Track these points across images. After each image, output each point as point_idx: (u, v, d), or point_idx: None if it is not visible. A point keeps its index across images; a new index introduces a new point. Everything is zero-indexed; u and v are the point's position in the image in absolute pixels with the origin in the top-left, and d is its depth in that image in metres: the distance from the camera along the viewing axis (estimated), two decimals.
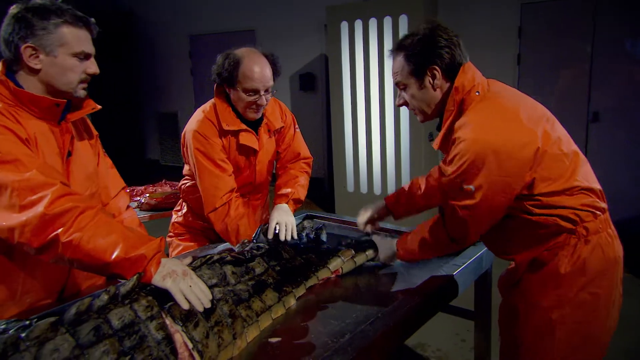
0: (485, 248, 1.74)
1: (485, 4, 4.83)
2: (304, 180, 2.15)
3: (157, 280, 1.18)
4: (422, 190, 1.81)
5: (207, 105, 1.95)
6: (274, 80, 1.86)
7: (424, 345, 2.76)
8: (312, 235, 1.84)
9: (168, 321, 1.12)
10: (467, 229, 1.39)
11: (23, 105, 1.30)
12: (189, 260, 1.35)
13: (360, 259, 1.70)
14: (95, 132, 1.62)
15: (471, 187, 1.32)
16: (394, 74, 1.50)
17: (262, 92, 1.82)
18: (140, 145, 8.30)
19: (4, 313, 1.37)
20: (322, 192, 6.26)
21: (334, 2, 5.12)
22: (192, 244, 2.12)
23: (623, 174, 4.43)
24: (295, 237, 1.84)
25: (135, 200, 2.84)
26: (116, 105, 7.76)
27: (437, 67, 1.44)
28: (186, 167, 2.07)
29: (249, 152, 1.98)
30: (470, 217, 1.35)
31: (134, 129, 8.12)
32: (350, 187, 5.12)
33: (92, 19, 1.38)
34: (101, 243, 1.17)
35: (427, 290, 1.49)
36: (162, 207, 2.74)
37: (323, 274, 1.61)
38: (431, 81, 1.46)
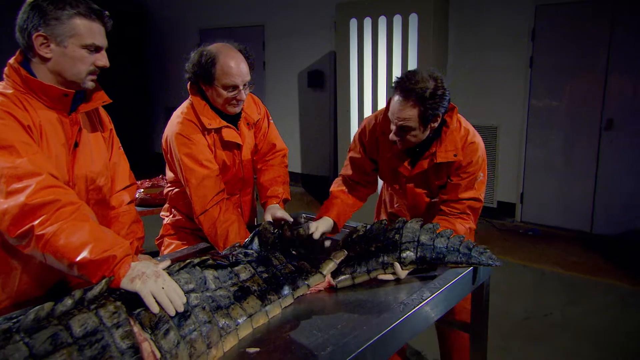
0: (487, 266, 1.66)
1: (498, 5, 4.71)
2: (286, 177, 2.17)
3: (126, 283, 1.12)
4: (348, 190, 2.10)
5: (183, 107, 1.91)
6: (250, 74, 1.84)
7: (420, 355, 2.69)
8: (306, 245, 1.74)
9: (136, 329, 1.06)
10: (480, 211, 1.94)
11: (34, 93, 1.31)
12: (166, 263, 1.29)
13: (361, 278, 1.61)
14: (109, 126, 1.60)
15: (481, 174, 1.91)
16: (404, 119, 1.72)
17: (241, 87, 1.80)
18: (149, 139, 8.31)
19: None
20: (327, 190, 6.18)
21: None
22: (184, 242, 2.07)
23: (637, 183, 4.30)
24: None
25: None
26: (126, 99, 7.77)
27: (440, 116, 1.77)
28: (170, 174, 2.01)
29: (233, 148, 1.94)
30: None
31: (144, 123, 8.12)
32: None
33: (107, 12, 1.37)
34: (71, 241, 1.13)
35: (418, 302, 1.42)
36: (155, 203, 2.69)
37: (315, 280, 1.52)
38: (432, 125, 1.78)
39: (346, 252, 1.59)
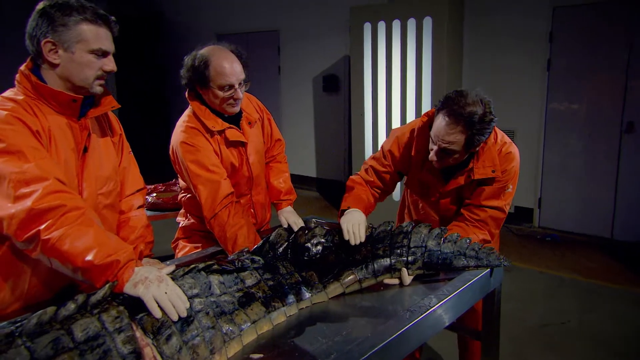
0: (495, 267, 1.63)
1: (514, 8, 4.64)
2: (289, 173, 2.24)
3: (129, 288, 1.13)
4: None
5: (184, 115, 1.94)
6: (244, 72, 1.85)
7: None
8: (322, 243, 1.69)
9: (139, 334, 1.06)
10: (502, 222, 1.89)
11: (44, 99, 1.33)
12: (170, 268, 1.30)
13: (369, 282, 1.60)
14: (119, 131, 1.62)
15: (510, 186, 1.87)
16: (449, 142, 1.68)
17: (236, 86, 1.81)
18: (167, 142, 8.38)
19: (7, 308, 1.38)
20: (342, 195, 6.16)
21: (358, 3, 5.04)
22: (199, 244, 2.09)
23: None
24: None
25: None
26: (143, 103, 7.90)
27: (485, 141, 1.76)
28: (182, 182, 2.05)
29: (239, 147, 1.96)
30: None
31: (161, 126, 8.23)
32: None
33: (113, 17, 1.39)
34: (76, 246, 1.15)
35: (425, 310, 1.40)
36: (168, 208, 2.71)
37: (318, 298, 1.50)
38: (474, 149, 1.76)
39: (354, 275, 1.57)
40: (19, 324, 0.96)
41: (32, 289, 1.40)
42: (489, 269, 1.63)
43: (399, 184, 2.17)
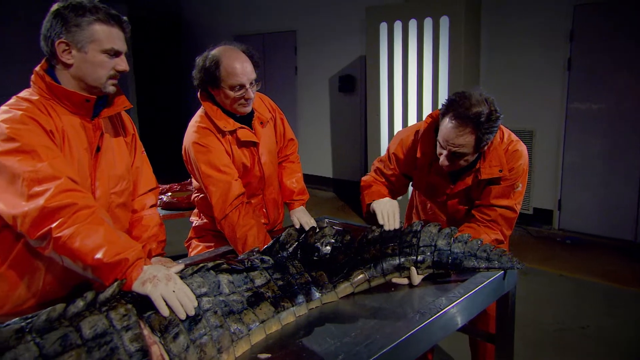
0: (507, 269, 1.61)
1: (533, 6, 4.57)
2: (301, 173, 2.26)
3: (137, 286, 1.14)
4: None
5: (196, 116, 1.96)
6: (255, 72, 1.86)
7: None
8: (332, 243, 1.69)
9: (146, 332, 1.07)
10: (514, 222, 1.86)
11: (58, 99, 1.35)
12: (179, 267, 1.30)
13: (378, 281, 1.59)
14: (132, 130, 1.64)
15: (520, 184, 1.84)
16: (459, 145, 1.67)
17: (247, 86, 1.82)
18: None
19: (23, 304, 1.41)
20: (358, 195, 6.15)
21: (375, 2, 5.02)
22: (211, 244, 2.10)
23: None
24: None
25: (158, 199, 2.86)
26: (165, 103, 8.00)
27: (492, 140, 1.75)
28: (195, 182, 2.07)
29: (250, 147, 1.97)
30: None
31: (179, 127, 8.32)
32: None
33: (125, 18, 1.41)
34: (86, 244, 1.16)
35: (436, 312, 1.38)
36: (182, 207, 2.73)
37: (328, 298, 1.50)
38: (482, 149, 1.75)
39: (364, 274, 1.56)
40: (29, 320, 0.97)
41: (47, 286, 1.43)
42: (502, 272, 1.60)
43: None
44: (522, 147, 1.86)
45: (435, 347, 2.41)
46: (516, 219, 1.89)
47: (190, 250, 2.17)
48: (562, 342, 2.86)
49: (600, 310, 3.24)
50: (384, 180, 2.05)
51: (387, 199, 1.83)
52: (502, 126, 1.82)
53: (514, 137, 1.87)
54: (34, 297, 1.43)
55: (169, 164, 5.12)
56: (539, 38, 4.57)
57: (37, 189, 1.19)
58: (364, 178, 2.09)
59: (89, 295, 1.04)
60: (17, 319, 0.99)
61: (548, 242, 4.51)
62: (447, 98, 1.74)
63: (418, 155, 1.91)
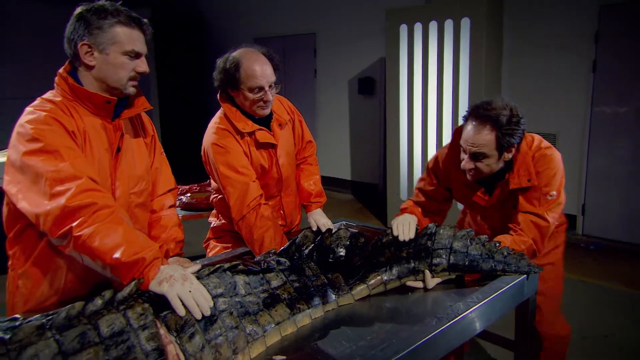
0: (526, 275, 1.58)
1: (557, 7, 4.48)
2: (319, 175, 2.26)
3: (154, 285, 1.15)
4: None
5: (216, 117, 1.98)
6: (275, 75, 1.87)
7: None
8: (347, 245, 1.67)
9: (162, 331, 1.08)
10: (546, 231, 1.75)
11: (80, 100, 1.38)
12: (196, 268, 1.32)
13: (393, 284, 1.58)
14: (151, 132, 1.66)
15: (554, 193, 1.75)
16: (480, 145, 1.68)
17: (266, 88, 1.83)
18: None
19: (45, 301, 1.45)
20: (376, 198, 6.13)
21: (395, 5, 4.99)
22: (229, 244, 2.12)
23: None
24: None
25: (178, 199, 2.90)
26: (185, 106, 8.11)
27: (515, 146, 1.72)
28: (213, 183, 2.08)
29: (268, 149, 1.98)
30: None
31: (201, 128, 8.42)
32: (404, 195, 4.96)
33: (145, 20, 1.43)
34: (105, 243, 1.18)
35: (453, 317, 1.36)
36: (200, 208, 2.76)
37: (345, 300, 1.50)
38: (506, 155, 1.73)
39: (380, 277, 1.55)
40: (50, 317, 0.99)
41: (68, 284, 1.45)
42: (522, 277, 1.57)
43: None
44: (553, 153, 1.81)
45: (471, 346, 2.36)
46: (549, 229, 1.79)
47: (208, 250, 2.19)
48: (585, 351, 2.79)
49: (624, 318, 3.16)
50: (424, 199, 2.06)
51: (406, 214, 1.86)
52: (533, 135, 1.83)
53: (545, 143, 1.83)
54: (56, 295, 1.45)
55: (190, 165, 5.16)
56: (563, 39, 4.48)
57: (59, 188, 1.21)
58: (402, 205, 2.11)
59: (107, 294, 1.06)
60: (38, 315, 1.02)
61: (571, 248, 4.41)
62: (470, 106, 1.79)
63: (450, 165, 1.94)
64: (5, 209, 1.42)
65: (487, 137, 1.67)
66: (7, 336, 0.90)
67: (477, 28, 4.20)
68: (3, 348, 0.88)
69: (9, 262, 1.47)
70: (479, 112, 1.69)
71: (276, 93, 1.94)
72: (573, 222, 4.70)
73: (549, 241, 1.94)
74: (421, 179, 2.11)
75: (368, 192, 6.33)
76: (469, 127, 1.72)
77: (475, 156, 1.72)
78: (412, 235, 1.63)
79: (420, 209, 2.04)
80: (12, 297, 1.47)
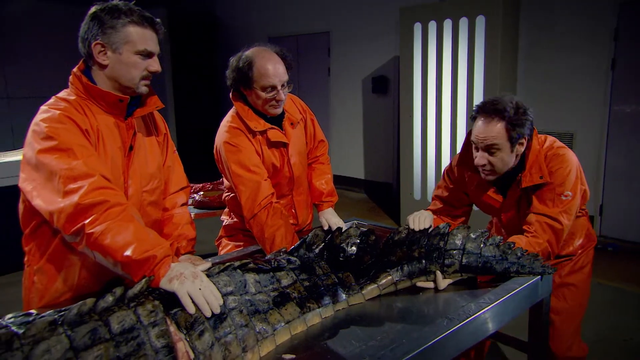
0: (540, 276, 1.55)
1: (575, 4, 4.40)
2: (331, 175, 2.27)
3: (164, 283, 1.16)
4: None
5: (228, 116, 1.98)
6: (287, 74, 1.88)
7: None
8: (357, 244, 1.67)
9: (172, 328, 1.09)
10: (561, 234, 1.72)
11: (93, 99, 1.40)
12: (206, 265, 1.32)
13: (404, 284, 1.57)
14: (164, 130, 1.68)
15: (569, 193, 1.72)
16: (491, 137, 1.70)
17: (279, 87, 1.83)
18: None
19: (60, 297, 1.47)
20: (389, 198, 6.10)
21: (409, 3, 4.96)
22: (240, 243, 2.12)
23: None
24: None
25: (191, 197, 2.92)
26: (200, 103, 8.17)
27: (526, 138, 1.74)
28: (226, 181, 2.09)
29: (280, 148, 1.99)
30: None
31: (214, 127, 8.47)
32: (417, 195, 4.93)
33: (158, 20, 1.45)
34: (116, 240, 1.19)
35: (464, 318, 1.35)
36: (214, 206, 2.77)
37: (355, 300, 1.49)
38: (518, 149, 1.75)
39: (391, 277, 1.54)
40: (62, 313, 1.01)
41: (82, 280, 1.47)
42: (535, 278, 1.55)
43: None
44: (567, 152, 1.79)
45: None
46: (564, 231, 1.74)
47: (220, 248, 2.20)
48: (602, 355, 2.74)
49: None
50: (441, 205, 2.06)
51: (423, 210, 1.86)
52: (547, 135, 1.84)
53: (558, 143, 1.82)
54: (70, 291, 1.48)
55: (206, 164, 5.20)
56: (582, 37, 4.41)
57: (72, 186, 1.23)
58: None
59: (118, 291, 1.07)
60: (51, 311, 1.03)
61: None
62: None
63: (464, 169, 1.94)
64: (21, 206, 1.44)
65: (496, 128, 1.70)
66: (21, 331, 0.92)
67: (493, 26, 4.15)
68: (17, 342, 0.90)
69: (25, 258, 1.50)
70: (486, 107, 1.73)
71: (288, 92, 1.94)
72: (590, 223, 4.62)
73: (570, 261, 1.94)
74: (437, 187, 2.12)
75: (381, 191, 6.31)
76: (479, 123, 1.75)
77: (488, 149, 1.73)
78: (427, 225, 1.64)
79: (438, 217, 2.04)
80: (28, 292, 1.50)
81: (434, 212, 2.06)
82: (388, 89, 6.02)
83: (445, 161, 4.63)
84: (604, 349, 2.81)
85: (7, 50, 6.67)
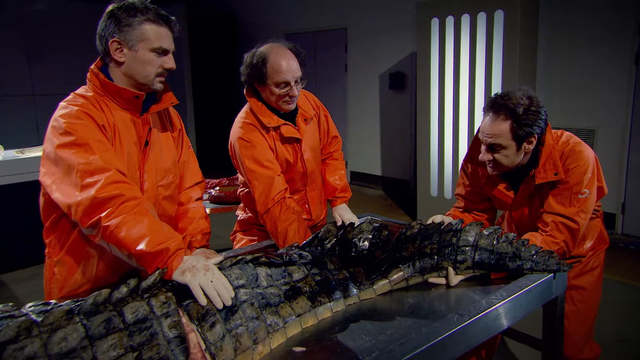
0: (554, 273, 1.54)
1: None
2: (345, 170, 2.28)
3: (177, 275, 1.19)
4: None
5: (242, 112, 2.00)
6: (301, 70, 1.88)
7: None
8: (370, 239, 1.68)
9: (185, 319, 1.11)
10: (577, 233, 1.70)
11: (110, 95, 1.44)
12: (219, 259, 1.35)
13: (415, 280, 1.57)
14: (179, 126, 1.71)
15: (586, 191, 1.69)
16: (495, 135, 1.67)
17: (292, 83, 1.84)
18: None
19: (78, 288, 1.52)
20: (407, 194, 6.08)
21: None
22: (255, 237, 2.15)
23: None
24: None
25: (207, 192, 2.95)
26: (217, 101, 8.25)
27: (535, 136, 1.68)
28: (240, 177, 2.11)
29: (293, 144, 2.00)
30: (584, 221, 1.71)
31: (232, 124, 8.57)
32: (434, 191, 4.90)
33: (173, 18, 1.47)
34: (131, 233, 1.22)
35: (475, 314, 1.34)
36: (229, 201, 2.81)
37: (366, 294, 1.50)
38: (526, 147, 1.69)
39: (403, 272, 1.55)
40: (78, 302, 1.04)
41: (100, 272, 1.52)
42: (549, 275, 1.53)
43: None
44: (583, 148, 1.74)
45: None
46: (580, 231, 1.72)
47: (234, 243, 2.23)
48: (623, 356, 2.69)
49: None
50: (463, 203, 2.05)
51: (445, 215, 1.88)
52: (563, 130, 1.79)
53: (575, 139, 1.77)
54: (88, 282, 1.52)
55: (224, 160, 5.27)
56: (604, 30, 4.31)
57: (89, 180, 1.27)
58: (447, 213, 2.10)
59: (132, 282, 1.10)
60: (68, 301, 1.07)
61: (610, 248, 4.24)
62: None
63: (479, 168, 1.92)
64: (41, 199, 1.49)
65: (501, 127, 1.66)
66: (40, 319, 0.95)
67: (512, 20, 4.09)
68: (36, 330, 0.94)
69: (46, 250, 1.55)
70: (496, 102, 1.68)
71: (302, 88, 1.95)
72: (612, 220, 4.53)
73: (579, 263, 1.90)
74: (457, 184, 2.10)
75: (398, 188, 6.29)
76: (486, 119, 1.72)
77: (491, 147, 1.70)
78: (437, 221, 1.65)
79: (463, 214, 2.03)
80: (48, 283, 1.54)
81: (457, 208, 2.05)
82: (405, 85, 5.99)
83: (463, 158, 4.58)
84: (623, 347, 2.76)
85: (33, 48, 6.84)
